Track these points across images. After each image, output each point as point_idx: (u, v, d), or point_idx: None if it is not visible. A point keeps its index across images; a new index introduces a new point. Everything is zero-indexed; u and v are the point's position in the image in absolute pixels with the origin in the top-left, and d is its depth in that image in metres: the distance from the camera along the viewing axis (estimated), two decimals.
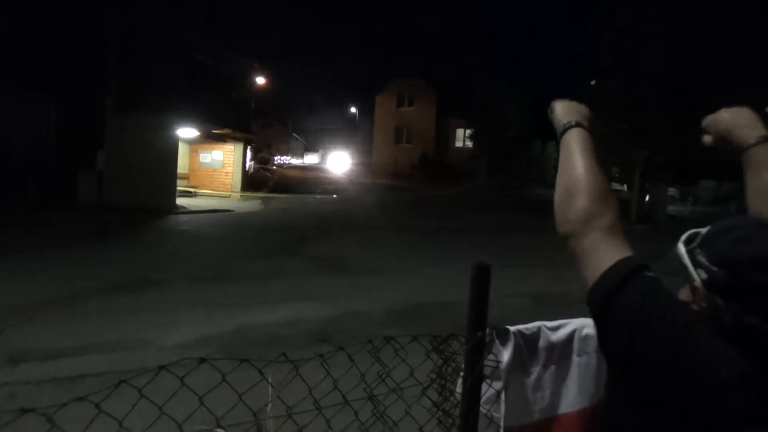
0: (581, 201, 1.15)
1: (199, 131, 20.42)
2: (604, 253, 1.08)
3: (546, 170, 38.47)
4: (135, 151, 17.09)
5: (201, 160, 23.73)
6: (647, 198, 23.86)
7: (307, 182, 30.03)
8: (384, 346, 1.43)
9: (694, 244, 1.08)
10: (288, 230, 14.90)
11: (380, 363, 1.45)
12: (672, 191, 26.02)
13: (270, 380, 1.44)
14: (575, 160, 1.22)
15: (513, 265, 10.28)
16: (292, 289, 8.26)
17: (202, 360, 1.22)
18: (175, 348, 5.45)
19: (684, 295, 1.07)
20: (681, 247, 1.08)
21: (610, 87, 25.31)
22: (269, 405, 1.37)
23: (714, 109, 1.48)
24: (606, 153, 24.85)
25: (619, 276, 1.03)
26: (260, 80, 28.96)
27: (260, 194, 22.92)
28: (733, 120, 1.38)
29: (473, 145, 41.41)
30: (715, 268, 1.00)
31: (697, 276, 1.03)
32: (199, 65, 20.46)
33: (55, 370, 4.78)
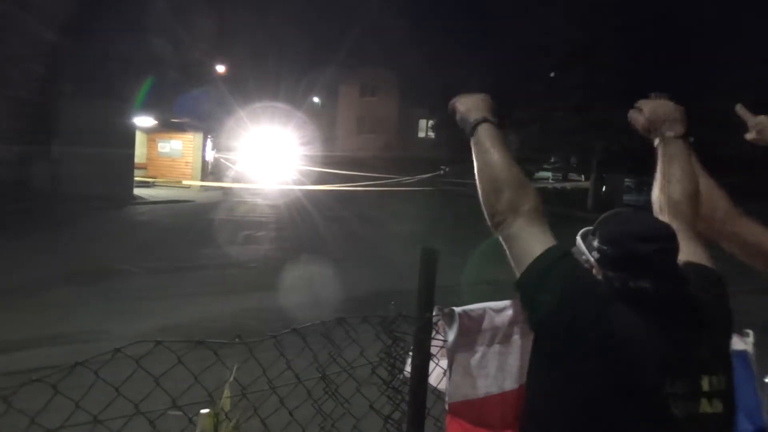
0: (506, 193, 1.31)
1: (157, 120, 20.04)
2: (530, 238, 1.27)
3: None
4: (90, 139, 16.65)
5: (159, 149, 23.28)
6: (604, 188, 24.46)
7: (270, 172, 29.76)
8: (335, 328, 1.50)
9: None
10: (251, 220, 14.81)
11: (332, 343, 1.52)
12: (628, 181, 26.70)
13: (226, 363, 1.49)
14: (492, 156, 1.36)
15: (480, 252, 10.45)
16: (256, 278, 8.26)
17: (158, 342, 1.26)
18: (135, 338, 5.38)
19: None
20: (578, 239, 1.31)
21: (569, 78, 25.78)
22: (225, 385, 1.42)
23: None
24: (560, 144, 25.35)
25: (548, 261, 1.23)
26: (221, 68, 28.50)
27: (221, 184, 22.64)
28: (664, 112, 1.56)
29: (435, 134, 41.61)
30: (604, 247, 1.22)
31: (591, 257, 1.25)
32: (158, 52, 20.01)
33: (10, 363, 4.70)
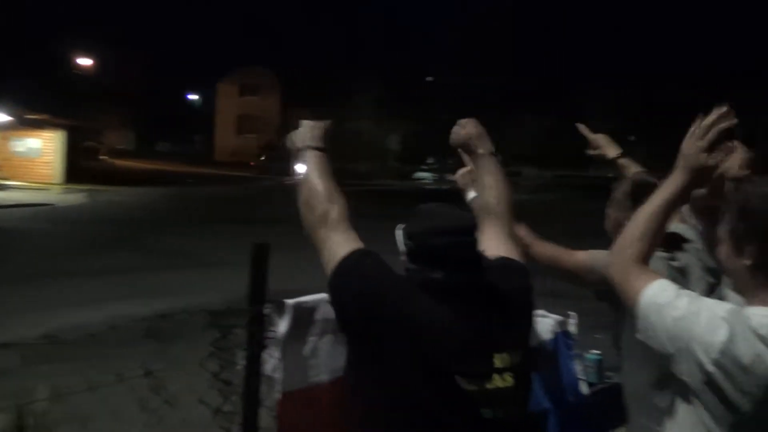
0: (317, 207, 1.45)
1: (10, 116, 18.37)
2: (336, 243, 1.39)
3: (387, 161, 39.56)
4: None
5: (14, 148, 21.36)
6: None
7: (142, 173, 28.29)
8: (160, 325, 1.50)
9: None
10: (121, 223, 13.98)
11: (156, 340, 1.52)
12: None
13: (46, 367, 1.45)
14: (309, 178, 1.53)
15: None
16: (126, 285, 7.77)
17: None
18: None
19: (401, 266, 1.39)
20: (396, 232, 1.40)
21: (446, 82, 26.97)
22: (39, 387, 1.38)
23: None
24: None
25: (350, 262, 1.34)
26: (87, 62, 26.68)
27: (87, 186, 21.16)
28: (477, 131, 1.81)
29: None
30: (408, 241, 1.34)
31: (402, 250, 1.36)
32: (14, 42, 18.39)
33: None
